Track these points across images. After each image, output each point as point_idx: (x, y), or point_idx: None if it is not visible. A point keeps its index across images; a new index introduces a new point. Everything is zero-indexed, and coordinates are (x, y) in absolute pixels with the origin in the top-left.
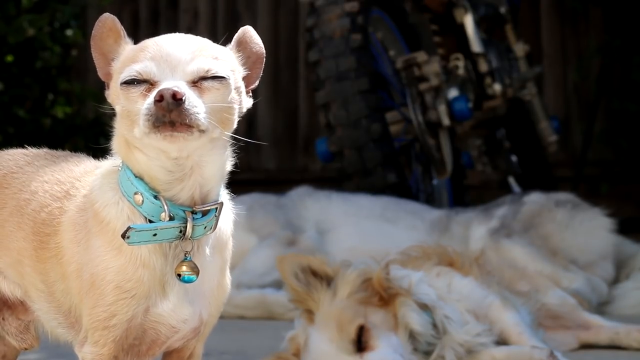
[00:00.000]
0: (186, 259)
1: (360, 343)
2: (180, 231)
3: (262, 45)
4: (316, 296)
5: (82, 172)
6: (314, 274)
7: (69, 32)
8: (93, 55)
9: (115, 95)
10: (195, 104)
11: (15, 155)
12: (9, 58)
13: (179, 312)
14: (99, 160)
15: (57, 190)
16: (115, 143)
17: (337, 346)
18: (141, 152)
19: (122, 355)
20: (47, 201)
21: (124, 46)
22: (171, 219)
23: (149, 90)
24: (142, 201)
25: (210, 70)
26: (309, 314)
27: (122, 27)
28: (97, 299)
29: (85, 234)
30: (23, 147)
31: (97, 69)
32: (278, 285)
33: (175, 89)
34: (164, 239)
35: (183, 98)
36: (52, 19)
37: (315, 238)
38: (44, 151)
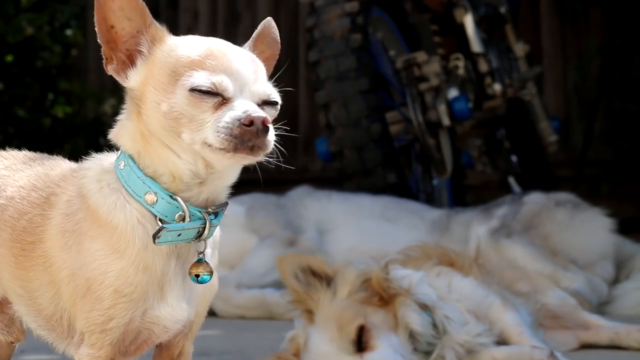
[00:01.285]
0: (200, 259)
1: (361, 343)
2: (198, 232)
3: (279, 41)
4: (316, 296)
5: (59, 177)
6: (314, 274)
7: (69, 32)
8: (96, 16)
9: (159, 89)
10: (273, 131)
11: None
12: (9, 58)
13: (175, 314)
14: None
15: (34, 197)
16: (127, 138)
17: (337, 346)
18: (173, 152)
19: (118, 356)
20: (26, 208)
21: (157, 32)
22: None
23: (221, 104)
24: (157, 201)
25: (271, 95)
26: (309, 314)
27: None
28: (94, 303)
29: (76, 238)
30: (22, 147)
31: (98, 32)
32: (278, 285)
33: (264, 115)
34: (185, 239)
35: (269, 126)
36: (52, 19)
37: (316, 238)
38: (22, 154)
